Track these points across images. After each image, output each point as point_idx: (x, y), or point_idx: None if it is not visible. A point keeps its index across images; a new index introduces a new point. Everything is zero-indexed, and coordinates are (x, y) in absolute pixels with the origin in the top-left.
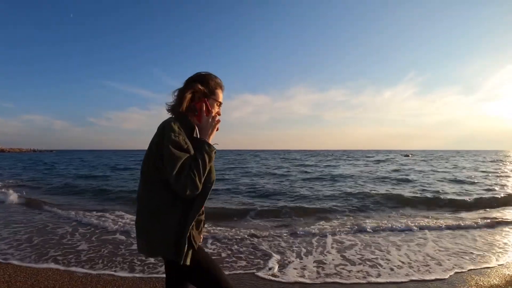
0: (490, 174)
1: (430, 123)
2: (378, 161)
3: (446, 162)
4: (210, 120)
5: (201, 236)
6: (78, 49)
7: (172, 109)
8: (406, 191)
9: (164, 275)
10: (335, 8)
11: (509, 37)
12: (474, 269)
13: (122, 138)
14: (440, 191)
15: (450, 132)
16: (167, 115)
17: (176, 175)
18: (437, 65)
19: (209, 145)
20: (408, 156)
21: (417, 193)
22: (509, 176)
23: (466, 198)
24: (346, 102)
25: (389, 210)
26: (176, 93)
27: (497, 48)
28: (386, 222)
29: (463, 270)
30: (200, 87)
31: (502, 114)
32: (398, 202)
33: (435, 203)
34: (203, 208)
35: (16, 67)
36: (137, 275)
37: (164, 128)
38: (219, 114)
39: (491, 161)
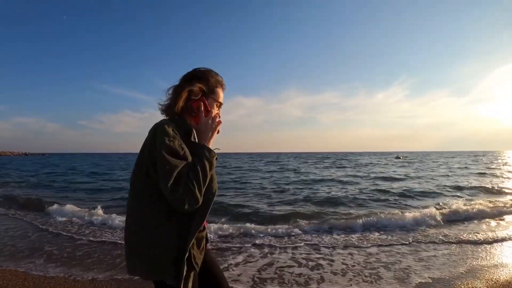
0: (473, 176)
1: (424, 125)
2: (367, 164)
3: (433, 163)
4: (209, 121)
5: (202, 256)
6: (71, 52)
7: (167, 109)
8: (381, 198)
9: (120, 277)
10: (329, 11)
11: (500, 40)
12: (440, 277)
13: (115, 141)
14: (414, 197)
15: (445, 133)
16: (161, 117)
17: (172, 187)
18: (429, 68)
19: (210, 150)
20: (399, 158)
21: (389, 200)
22: (490, 179)
23: (437, 205)
24: (340, 104)
25: (356, 221)
26: (170, 91)
27: (491, 50)
28: (346, 234)
29: (428, 281)
30: (198, 84)
31: (495, 115)
32: (368, 211)
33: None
34: (205, 224)
35: (8, 68)
36: (98, 276)
37: (156, 131)
38: (218, 116)
39: (482, 162)
